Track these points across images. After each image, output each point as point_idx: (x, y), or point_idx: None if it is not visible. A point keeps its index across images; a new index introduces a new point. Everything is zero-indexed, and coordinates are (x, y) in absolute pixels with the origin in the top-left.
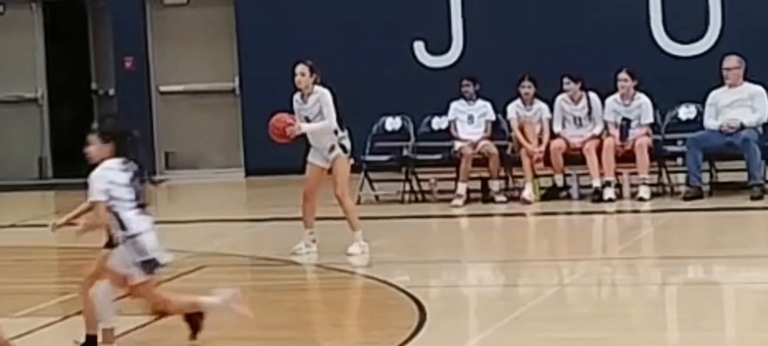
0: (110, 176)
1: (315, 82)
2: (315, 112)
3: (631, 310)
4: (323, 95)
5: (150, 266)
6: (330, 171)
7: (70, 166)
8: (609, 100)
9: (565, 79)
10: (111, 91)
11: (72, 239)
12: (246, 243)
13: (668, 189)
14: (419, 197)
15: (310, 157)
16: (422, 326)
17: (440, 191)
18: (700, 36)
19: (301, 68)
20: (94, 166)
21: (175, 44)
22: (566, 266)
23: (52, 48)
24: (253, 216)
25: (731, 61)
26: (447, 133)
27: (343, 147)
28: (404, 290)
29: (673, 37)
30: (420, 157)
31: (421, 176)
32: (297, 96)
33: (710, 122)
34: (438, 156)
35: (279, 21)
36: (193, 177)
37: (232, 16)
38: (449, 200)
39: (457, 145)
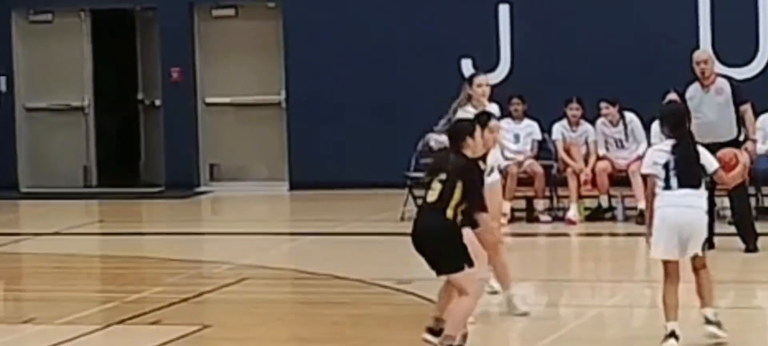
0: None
1: None
2: None
3: None
4: None
5: None
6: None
7: (114, 175)
8: (655, 124)
9: (603, 104)
10: (157, 102)
11: (115, 248)
12: (288, 257)
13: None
14: None
15: None
16: (463, 344)
17: None
18: (750, 59)
19: None
20: None
21: (222, 56)
22: (609, 288)
23: (99, 57)
24: (296, 230)
25: None
26: None
27: None
28: None
29: (722, 60)
30: None
31: None
32: None
33: (757, 147)
34: None
35: (326, 35)
36: (237, 189)
37: (279, 29)
38: None
39: (503, 163)
